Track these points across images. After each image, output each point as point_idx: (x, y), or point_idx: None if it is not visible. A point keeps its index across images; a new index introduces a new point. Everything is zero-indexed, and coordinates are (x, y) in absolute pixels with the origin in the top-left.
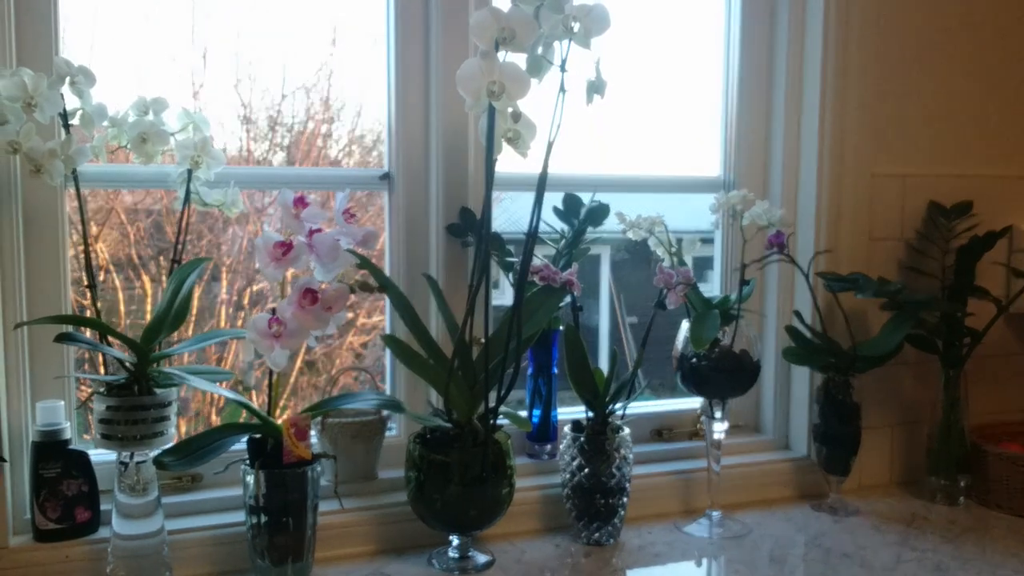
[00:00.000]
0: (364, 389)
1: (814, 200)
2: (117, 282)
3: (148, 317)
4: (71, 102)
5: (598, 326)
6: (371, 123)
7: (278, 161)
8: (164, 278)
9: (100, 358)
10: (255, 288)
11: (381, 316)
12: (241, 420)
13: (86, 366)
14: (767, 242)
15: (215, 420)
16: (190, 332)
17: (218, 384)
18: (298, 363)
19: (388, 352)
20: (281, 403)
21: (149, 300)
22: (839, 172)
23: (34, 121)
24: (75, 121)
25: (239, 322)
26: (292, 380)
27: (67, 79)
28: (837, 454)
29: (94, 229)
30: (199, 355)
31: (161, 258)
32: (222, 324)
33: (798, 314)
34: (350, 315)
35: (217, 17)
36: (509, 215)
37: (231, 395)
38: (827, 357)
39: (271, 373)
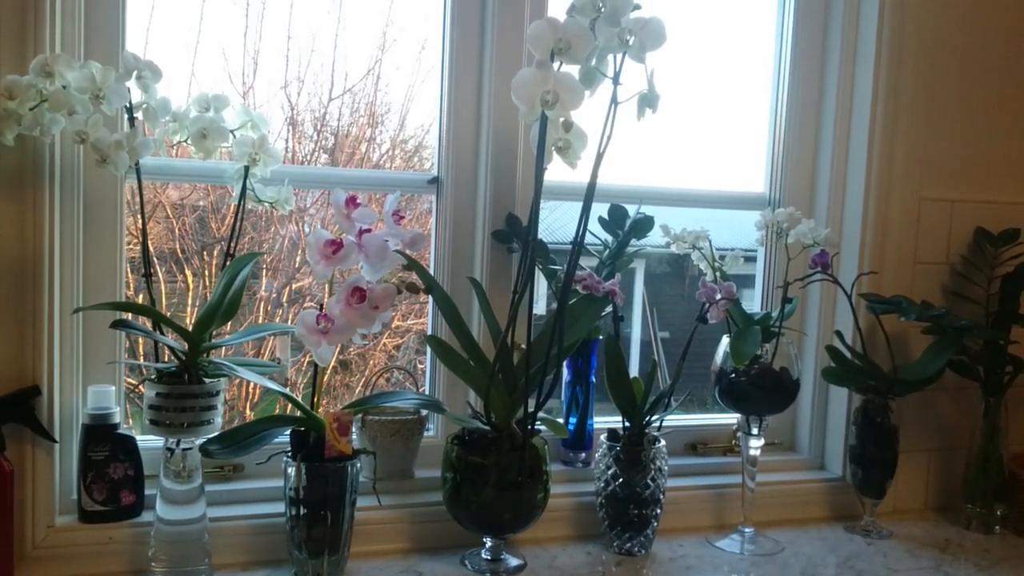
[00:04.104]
0: (397, 390)
1: (860, 221)
2: (160, 275)
3: (189, 310)
4: (135, 95)
5: (630, 338)
6: (413, 129)
7: (321, 163)
8: (206, 273)
9: (141, 348)
10: (294, 286)
11: (415, 319)
12: (276, 413)
13: (126, 355)
14: (811, 261)
15: (248, 414)
16: (228, 328)
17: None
18: (332, 362)
19: (429, 353)
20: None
21: (191, 294)
22: (886, 194)
23: (101, 113)
24: (139, 114)
25: (277, 319)
26: (326, 378)
27: (134, 73)
28: (873, 476)
29: (140, 222)
30: (236, 349)
31: (204, 253)
32: (261, 320)
33: (839, 334)
34: None
35: (269, 20)
36: (546, 225)
37: (279, 388)
38: (867, 379)
39: (316, 368)
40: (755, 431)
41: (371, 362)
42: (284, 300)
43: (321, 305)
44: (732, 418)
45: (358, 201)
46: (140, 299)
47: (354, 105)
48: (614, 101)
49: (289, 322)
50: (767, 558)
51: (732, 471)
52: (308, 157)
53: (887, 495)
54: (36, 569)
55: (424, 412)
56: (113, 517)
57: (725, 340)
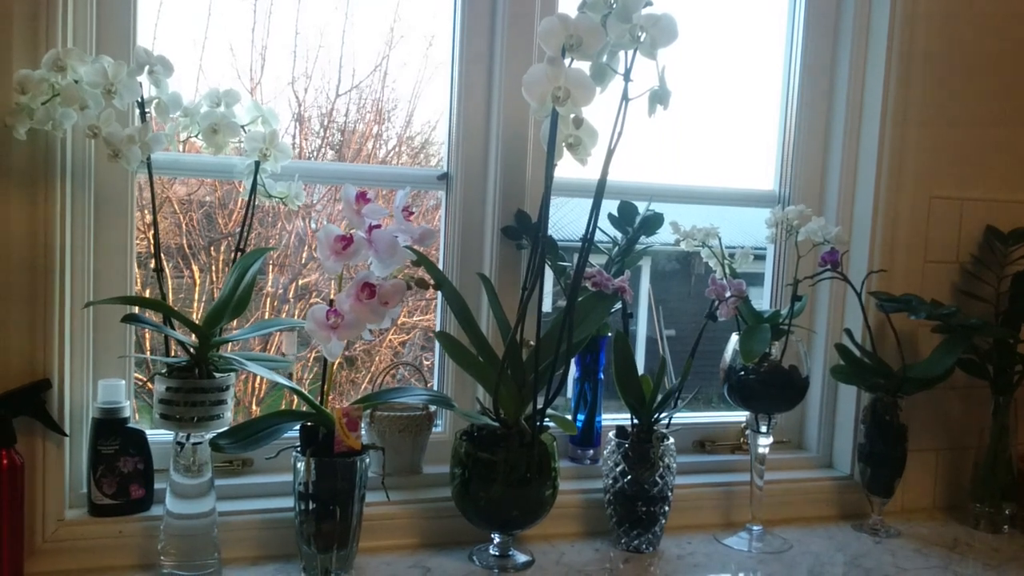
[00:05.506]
0: (406, 386)
1: (870, 219)
2: (167, 270)
3: (196, 306)
4: (146, 90)
5: (635, 335)
6: (420, 125)
7: (328, 160)
8: (213, 268)
9: (148, 343)
10: (301, 282)
11: (422, 316)
12: (282, 408)
13: (134, 350)
14: (821, 259)
15: (255, 410)
16: (234, 324)
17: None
18: (338, 358)
19: (437, 349)
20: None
21: (197, 289)
22: (896, 192)
23: (112, 107)
24: (151, 109)
25: (283, 314)
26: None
27: (146, 68)
28: (881, 475)
29: (148, 217)
30: (243, 344)
31: (211, 248)
32: (267, 316)
33: (849, 332)
34: None
35: (277, 16)
36: (554, 222)
37: (289, 384)
38: (876, 377)
39: (325, 363)
40: (764, 429)
41: (376, 359)
42: (290, 296)
43: (331, 300)
44: (741, 416)
45: (368, 196)
46: (147, 294)
47: (361, 101)
48: (625, 98)
49: (296, 318)
50: (775, 556)
51: (740, 469)
52: (315, 153)
53: (895, 494)
54: (46, 562)
55: (433, 408)
56: (123, 511)
57: (734, 338)
